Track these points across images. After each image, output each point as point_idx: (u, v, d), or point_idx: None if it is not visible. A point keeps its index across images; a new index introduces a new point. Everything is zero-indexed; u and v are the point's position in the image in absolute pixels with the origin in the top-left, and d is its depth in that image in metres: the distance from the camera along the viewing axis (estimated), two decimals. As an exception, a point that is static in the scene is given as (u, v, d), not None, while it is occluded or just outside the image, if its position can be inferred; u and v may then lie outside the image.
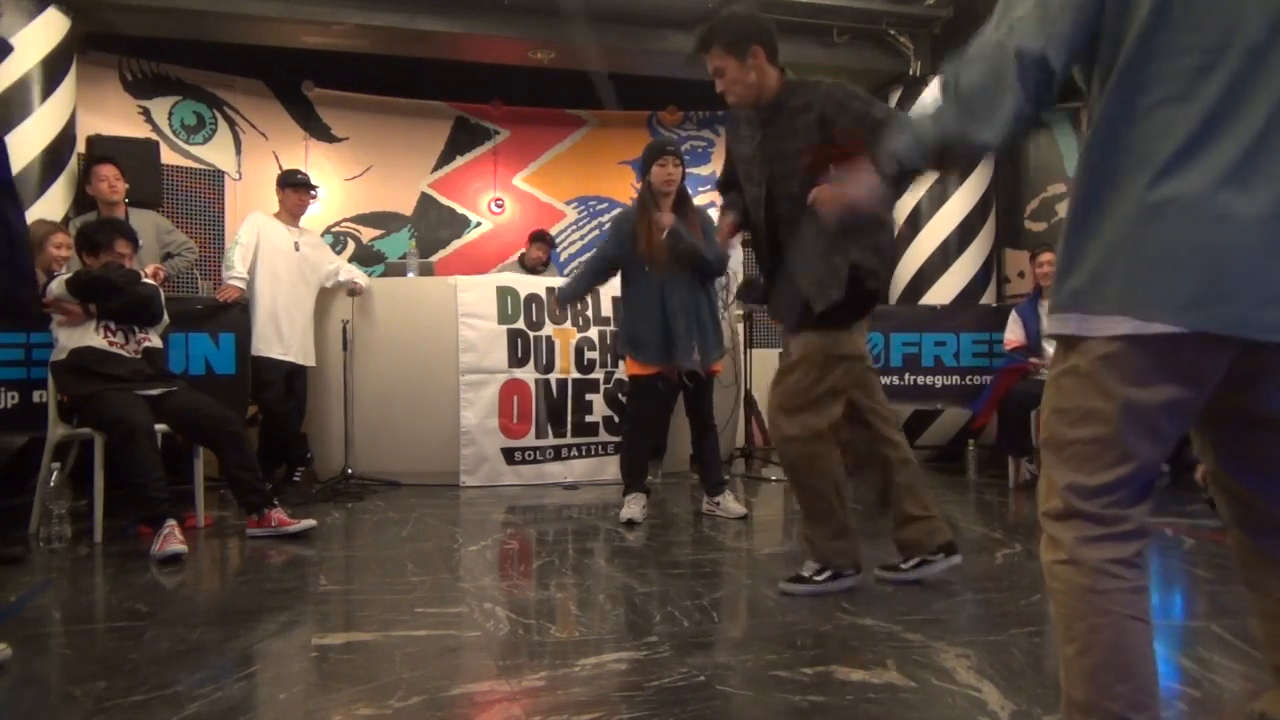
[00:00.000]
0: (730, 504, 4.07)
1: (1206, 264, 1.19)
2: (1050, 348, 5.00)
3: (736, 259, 5.53)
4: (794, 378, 2.68)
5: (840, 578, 2.74)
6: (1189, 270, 1.19)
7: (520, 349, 4.97)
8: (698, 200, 4.53)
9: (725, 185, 3.05)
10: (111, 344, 3.66)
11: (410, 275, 5.45)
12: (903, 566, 2.83)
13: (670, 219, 3.84)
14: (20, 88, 4.80)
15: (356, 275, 5.01)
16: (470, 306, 4.93)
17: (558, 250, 7.43)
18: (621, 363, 4.83)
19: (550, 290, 5.08)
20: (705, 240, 3.92)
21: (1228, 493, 1.42)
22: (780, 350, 2.90)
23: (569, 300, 4.40)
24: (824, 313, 2.61)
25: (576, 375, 5.08)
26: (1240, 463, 1.37)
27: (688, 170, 4.15)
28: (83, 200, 4.94)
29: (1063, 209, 6.52)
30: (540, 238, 6.55)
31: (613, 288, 5.02)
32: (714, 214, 4.27)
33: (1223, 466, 1.40)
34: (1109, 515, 1.27)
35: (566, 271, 7.30)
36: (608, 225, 4.20)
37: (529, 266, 6.38)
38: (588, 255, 4.11)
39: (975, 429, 4.94)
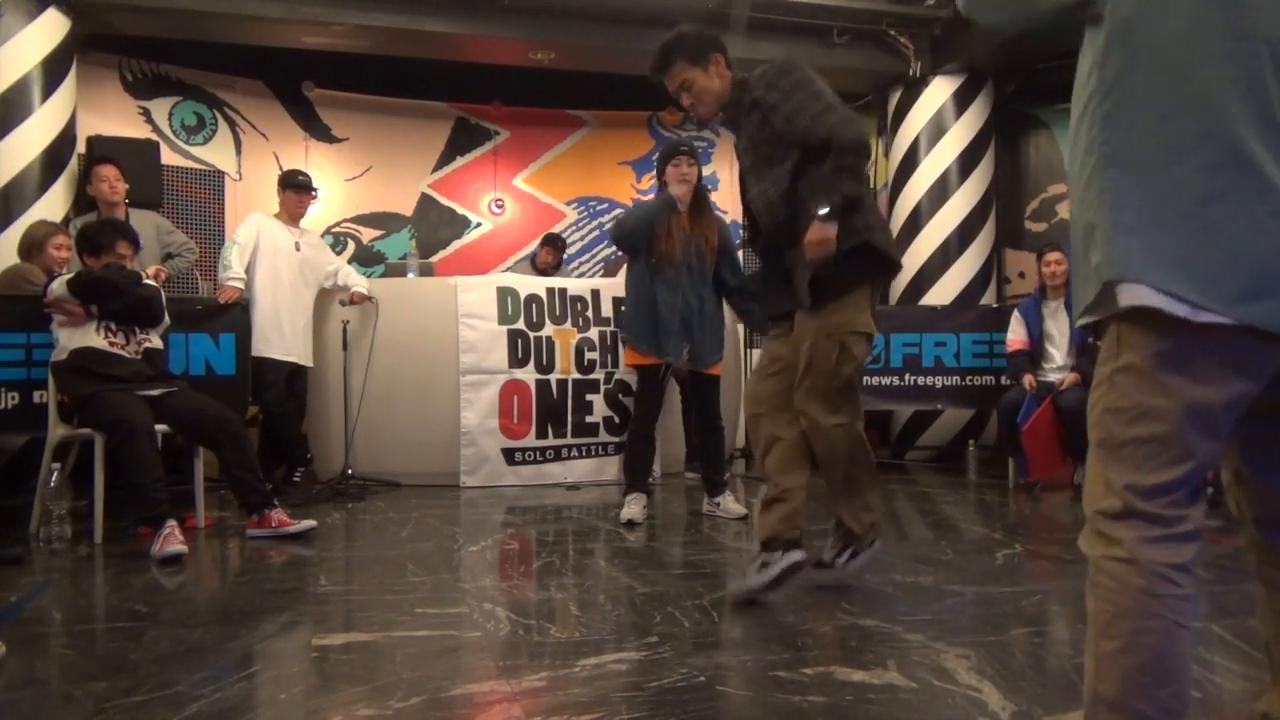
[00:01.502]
0: (730, 504, 4.07)
1: (1257, 258, 1.18)
2: (1053, 350, 5.00)
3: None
4: (817, 365, 2.55)
5: (859, 555, 2.78)
6: (1240, 263, 1.19)
7: (520, 349, 4.97)
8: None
9: None
10: (112, 345, 3.66)
11: (410, 276, 5.45)
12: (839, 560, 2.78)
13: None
14: (20, 88, 4.80)
15: (355, 280, 4.97)
16: (470, 307, 4.93)
17: (570, 267, 7.44)
18: (624, 361, 4.84)
19: (552, 290, 5.09)
20: (723, 243, 4.02)
21: (1250, 490, 1.41)
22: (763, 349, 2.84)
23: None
24: (833, 283, 2.51)
25: (577, 376, 5.08)
26: (1266, 460, 1.37)
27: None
28: (83, 201, 4.94)
29: (1063, 209, 6.53)
30: (552, 241, 6.56)
31: (615, 288, 5.04)
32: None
33: (1247, 464, 1.39)
34: (1169, 515, 1.26)
35: (570, 270, 7.31)
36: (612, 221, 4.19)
37: (539, 268, 6.40)
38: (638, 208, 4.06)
39: (1035, 479, 4.85)
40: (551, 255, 6.46)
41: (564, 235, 7.07)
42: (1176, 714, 1.24)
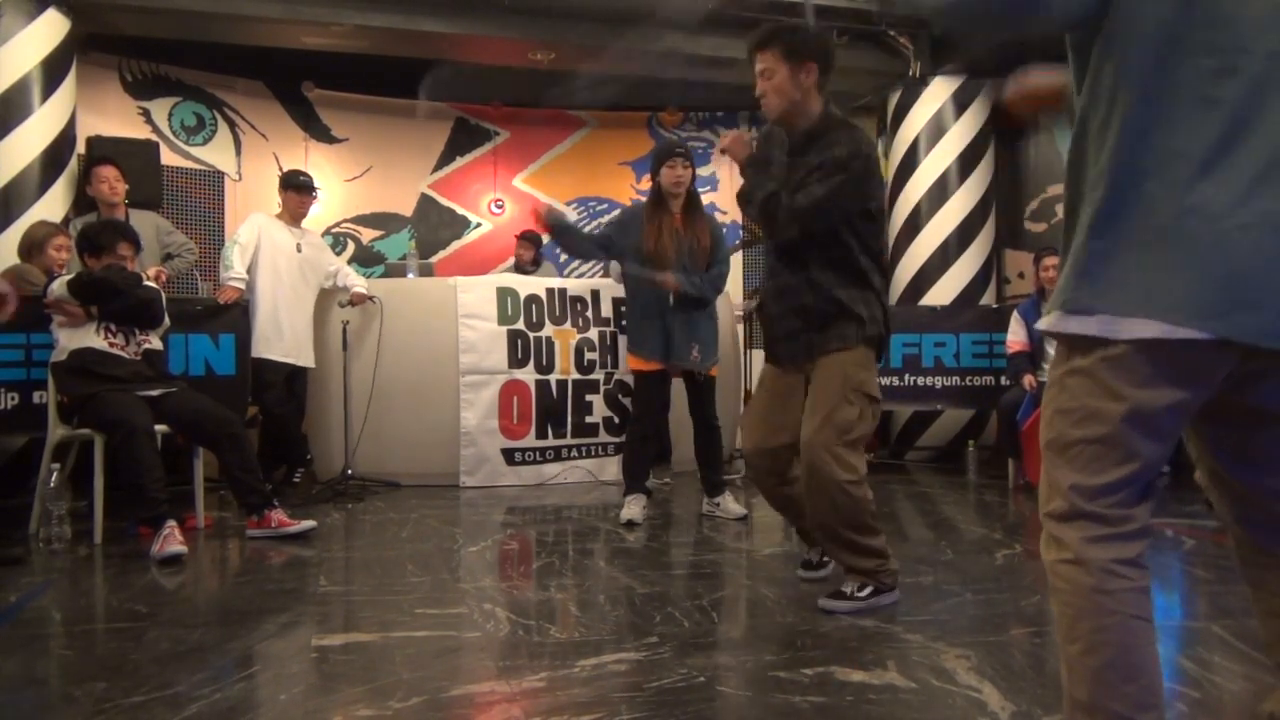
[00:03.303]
0: (730, 505, 4.07)
1: (1231, 272, 1.19)
2: (1053, 351, 5.01)
3: (736, 260, 5.55)
4: (844, 412, 2.47)
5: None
6: (1214, 277, 1.19)
7: (520, 350, 4.97)
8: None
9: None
10: (111, 345, 3.66)
11: (410, 276, 5.44)
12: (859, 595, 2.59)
13: (674, 281, 3.82)
14: (20, 88, 4.80)
15: (355, 280, 4.97)
16: (470, 307, 4.93)
17: (556, 250, 7.42)
18: (624, 361, 4.85)
19: (552, 290, 5.09)
20: (715, 246, 3.99)
21: (1227, 490, 1.42)
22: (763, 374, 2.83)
23: (556, 223, 3.98)
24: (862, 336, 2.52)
25: (576, 376, 5.08)
26: (1240, 459, 1.37)
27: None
28: (83, 201, 4.93)
29: (1062, 209, 6.54)
30: (526, 237, 6.54)
31: (615, 288, 5.04)
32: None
33: (1221, 464, 1.40)
34: (1114, 515, 1.27)
35: (567, 272, 7.31)
36: (615, 215, 4.09)
37: (519, 267, 6.38)
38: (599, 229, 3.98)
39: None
40: (527, 250, 6.41)
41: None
42: (1149, 707, 1.25)
